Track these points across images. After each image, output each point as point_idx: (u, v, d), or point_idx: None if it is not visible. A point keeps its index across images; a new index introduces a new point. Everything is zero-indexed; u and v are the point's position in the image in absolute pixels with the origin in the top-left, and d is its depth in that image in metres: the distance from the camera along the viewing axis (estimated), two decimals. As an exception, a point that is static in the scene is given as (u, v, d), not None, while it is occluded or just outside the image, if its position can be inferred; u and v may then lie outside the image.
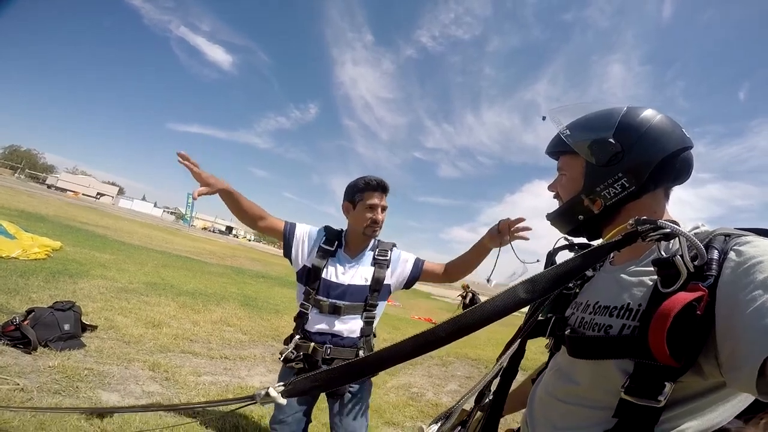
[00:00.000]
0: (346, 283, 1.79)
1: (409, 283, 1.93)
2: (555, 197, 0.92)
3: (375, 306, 1.82)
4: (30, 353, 3.14)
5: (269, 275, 15.46)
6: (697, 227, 0.70)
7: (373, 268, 1.84)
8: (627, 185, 0.76)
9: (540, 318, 0.89)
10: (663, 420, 0.59)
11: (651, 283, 0.65)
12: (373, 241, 1.92)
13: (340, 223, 2.00)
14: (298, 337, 1.77)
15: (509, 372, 0.94)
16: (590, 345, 0.70)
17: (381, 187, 1.84)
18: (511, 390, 0.92)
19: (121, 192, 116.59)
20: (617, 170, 0.77)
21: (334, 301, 1.76)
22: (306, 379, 0.66)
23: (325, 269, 1.79)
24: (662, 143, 0.75)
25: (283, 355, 1.75)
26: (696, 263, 0.59)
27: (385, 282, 1.83)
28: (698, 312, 0.55)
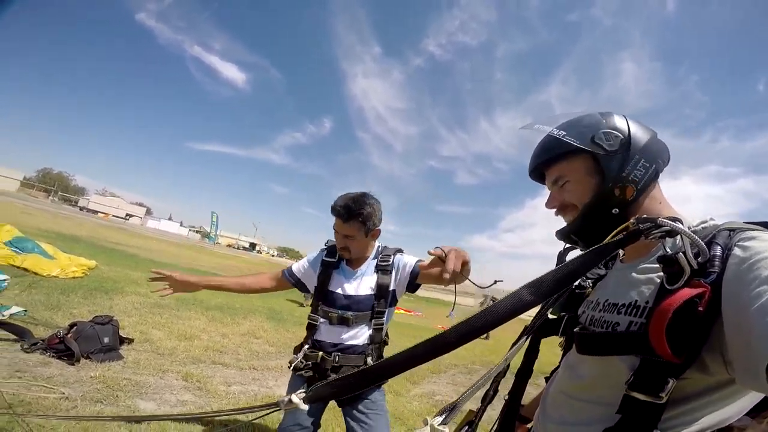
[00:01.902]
0: (352, 294, 1.81)
1: (411, 286, 1.85)
2: (558, 212, 0.86)
3: (382, 313, 1.82)
4: (73, 364, 3.33)
5: (293, 290, 15.65)
6: (705, 222, 0.69)
7: (376, 275, 1.84)
8: (648, 165, 0.76)
9: (553, 316, 0.90)
10: (667, 417, 0.59)
11: (659, 280, 0.65)
12: (376, 248, 1.92)
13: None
14: (307, 346, 1.82)
15: (524, 372, 0.94)
16: (597, 341, 0.71)
17: (340, 213, 1.74)
18: (531, 394, 0.93)
19: (148, 212, 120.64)
20: (633, 154, 0.76)
21: (342, 312, 1.78)
22: (326, 385, 0.70)
23: (330, 282, 1.84)
24: (644, 131, 0.79)
25: (293, 365, 1.81)
26: (699, 260, 0.59)
27: (390, 288, 1.82)
28: (700, 309, 0.55)
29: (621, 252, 0.85)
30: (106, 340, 3.70)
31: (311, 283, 1.91)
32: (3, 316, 3.96)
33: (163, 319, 5.49)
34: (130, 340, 4.18)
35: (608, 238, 0.67)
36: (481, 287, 1.30)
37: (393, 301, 1.89)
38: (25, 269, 6.20)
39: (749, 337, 0.51)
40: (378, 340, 1.83)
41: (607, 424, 0.63)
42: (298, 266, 1.97)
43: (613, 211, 0.77)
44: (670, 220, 0.62)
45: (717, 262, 0.58)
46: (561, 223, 0.87)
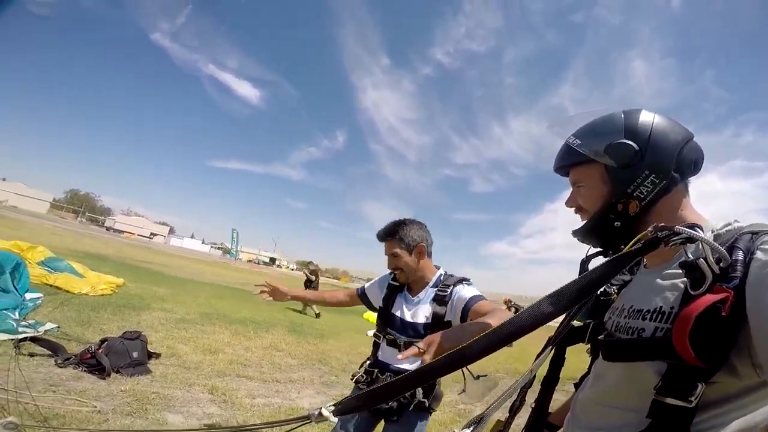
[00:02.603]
0: (408, 320, 1.83)
1: (462, 320, 1.75)
2: (577, 212, 0.89)
3: None
4: (104, 378, 3.42)
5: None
6: (729, 224, 0.68)
7: (433, 304, 1.79)
8: (657, 181, 0.75)
9: (578, 324, 0.90)
10: (698, 421, 0.58)
11: (682, 285, 0.64)
12: (438, 275, 1.89)
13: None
14: (368, 362, 1.92)
15: (550, 380, 0.93)
16: (623, 348, 0.70)
17: (379, 234, 1.93)
18: (560, 401, 0.92)
19: (171, 231, 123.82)
20: (642, 169, 0.75)
21: (395, 335, 1.83)
22: (353, 398, 0.73)
23: (392, 305, 1.92)
24: (673, 137, 0.76)
25: (355, 377, 1.92)
26: (721, 265, 0.58)
27: (445, 319, 1.75)
28: (723, 313, 0.55)
29: (644, 258, 0.84)
30: (135, 354, 3.80)
31: (377, 303, 2.02)
32: (38, 332, 4.10)
33: (188, 333, 5.60)
34: (158, 355, 4.27)
35: (627, 246, 0.68)
36: (476, 377, 1.46)
37: None
38: (57, 287, 6.43)
39: None
40: None
41: (636, 429, 0.63)
42: (369, 286, 2.13)
43: (616, 224, 0.79)
44: (689, 227, 0.62)
45: (739, 267, 0.58)
46: (579, 221, 0.89)
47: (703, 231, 0.62)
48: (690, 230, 0.61)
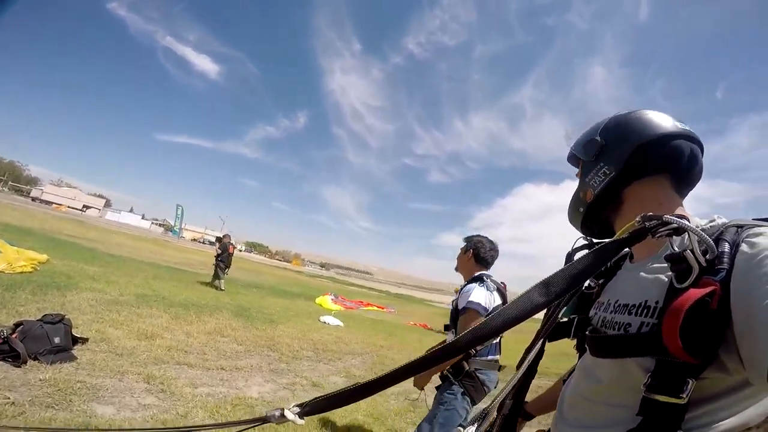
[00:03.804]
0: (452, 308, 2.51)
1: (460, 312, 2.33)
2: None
3: (453, 328, 2.46)
4: (20, 366, 3.05)
5: (261, 285, 15.30)
6: (713, 220, 0.69)
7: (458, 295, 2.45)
8: (608, 172, 0.80)
9: (564, 319, 0.88)
10: (689, 417, 0.58)
11: (667, 279, 0.64)
12: (474, 275, 2.47)
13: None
14: None
15: (527, 373, 0.92)
16: (610, 344, 0.69)
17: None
18: (540, 391, 0.92)
19: (108, 204, 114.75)
20: (600, 161, 0.82)
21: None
22: (323, 399, 0.68)
23: None
24: (637, 131, 0.78)
25: None
26: (708, 257, 0.58)
27: (458, 308, 2.34)
28: (712, 307, 0.54)
29: (627, 250, 0.84)
30: (56, 340, 3.42)
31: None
32: (-63, 314, 3.58)
33: (121, 317, 5.16)
34: (84, 340, 3.88)
35: (616, 235, 0.67)
36: None
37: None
38: (-36, 263, 5.67)
39: (759, 334, 0.50)
40: None
41: (626, 427, 0.62)
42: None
43: (580, 209, 0.87)
44: (677, 217, 0.62)
45: (726, 259, 0.57)
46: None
47: (690, 223, 0.61)
48: (680, 220, 0.61)
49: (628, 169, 0.77)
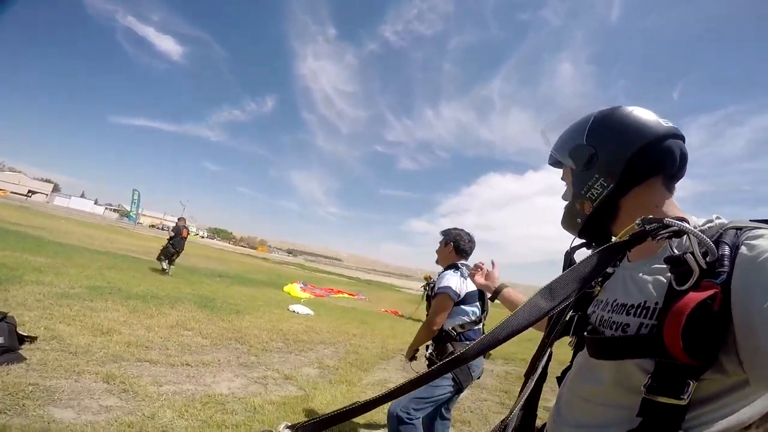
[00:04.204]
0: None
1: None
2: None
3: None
4: (-41, 371, 2.76)
5: (226, 274, 14.84)
6: (711, 221, 0.69)
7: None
8: (605, 184, 0.79)
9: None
10: (689, 418, 0.58)
11: (666, 280, 0.64)
12: (453, 264, 2.62)
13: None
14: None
15: (539, 377, 0.90)
16: (609, 345, 0.69)
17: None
18: (552, 396, 0.90)
19: (56, 189, 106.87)
20: (594, 172, 0.80)
21: None
22: (316, 421, 0.64)
23: None
24: (629, 138, 0.77)
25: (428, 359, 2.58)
26: (708, 259, 0.58)
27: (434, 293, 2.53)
28: (713, 310, 0.54)
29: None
30: (0, 340, 3.11)
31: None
32: None
33: (72, 311, 4.80)
34: (33, 338, 3.57)
35: (616, 238, 0.69)
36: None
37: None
38: None
39: (759, 336, 0.51)
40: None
41: (625, 427, 0.62)
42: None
43: (577, 220, 0.85)
44: (677, 219, 0.62)
45: (726, 262, 0.57)
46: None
47: (689, 224, 0.62)
48: (680, 222, 0.61)
49: (624, 180, 0.78)
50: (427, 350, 2.58)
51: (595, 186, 0.80)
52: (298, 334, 6.43)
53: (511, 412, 0.82)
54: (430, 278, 2.88)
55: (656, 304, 0.64)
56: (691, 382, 0.56)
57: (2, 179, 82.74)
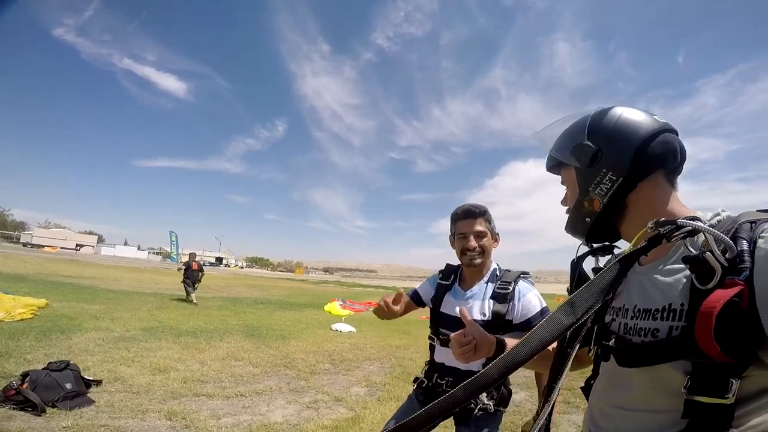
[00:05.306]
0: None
1: (522, 327, 1.64)
2: (567, 212, 0.93)
3: None
4: (40, 415, 2.98)
5: (268, 300, 15.17)
6: (719, 214, 0.69)
7: (492, 302, 1.69)
8: (614, 178, 0.78)
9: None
10: (738, 416, 0.57)
11: (686, 280, 0.64)
12: (492, 271, 1.80)
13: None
14: (426, 366, 1.88)
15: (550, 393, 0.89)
16: (641, 352, 0.68)
17: (467, 214, 1.78)
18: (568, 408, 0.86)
19: (100, 240, 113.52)
20: (601, 168, 0.79)
21: (448, 334, 1.62)
22: None
23: (442, 303, 1.82)
24: (631, 133, 0.77)
25: (417, 382, 1.85)
26: (728, 256, 0.58)
27: (506, 318, 1.65)
28: (743, 307, 0.54)
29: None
30: (68, 386, 3.33)
31: (427, 302, 1.94)
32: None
33: (131, 353, 5.05)
34: (98, 382, 3.79)
35: (631, 244, 0.70)
36: None
37: (515, 334, 1.65)
38: (-37, 318, 5.52)
39: None
40: None
41: (675, 430, 0.61)
42: (420, 286, 2.01)
43: (586, 220, 0.83)
44: (690, 219, 0.63)
45: (746, 257, 0.57)
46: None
47: (701, 222, 0.62)
48: (693, 222, 0.62)
49: (632, 172, 0.77)
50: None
51: (604, 181, 0.79)
52: (343, 353, 6.46)
53: (537, 422, 0.78)
54: None
55: (682, 305, 0.63)
56: (734, 381, 0.55)
57: (51, 236, 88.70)
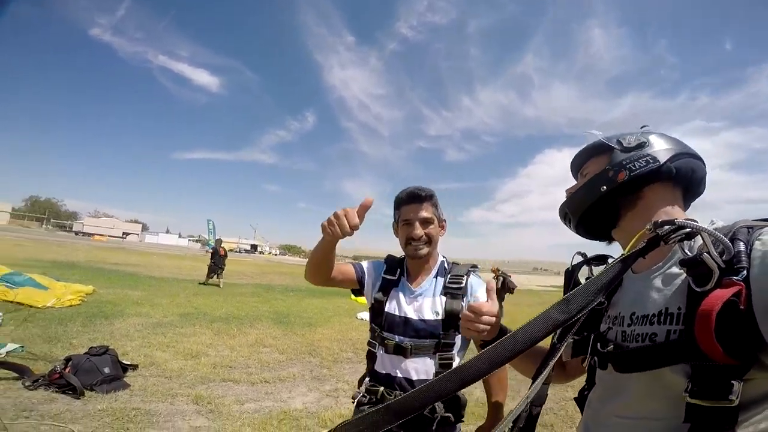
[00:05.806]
0: (411, 317, 1.48)
1: None
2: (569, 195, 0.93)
3: (452, 345, 1.46)
4: (79, 398, 3.22)
5: (298, 288, 15.57)
6: (713, 222, 0.70)
7: (444, 298, 1.50)
8: (651, 161, 0.78)
9: (575, 337, 0.84)
10: (743, 420, 0.56)
11: (682, 284, 0.64)
12: (440, 264, 1.61)
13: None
14: (368, 379, 1.53)
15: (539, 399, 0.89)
16: (639, 357, 0.67)
17: (412, 197, 1.54)
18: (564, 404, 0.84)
19: (145, 228, 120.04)
20: (641, 153, 0.80)
21: (399, 339, 1.47)
22: (349, 424, 0.62)
23: (387, 302, 1.54)
24: (677, 142, 0.81)
25: (356, 400, 1.52)
26: (724, 258, 0.58)
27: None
28: (741, 307, 0.54)
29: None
30: (106, 370, 3.58)
31: (369, 297, 1.63)
32: (0, 354, 3.81)
33: (167, 338, 5.36)
34: (135, 366, 4.05)
35: (628, 247, 0.69)
36: None
37: None
38: (18, 303, 6.04)
39: None
40: None
41: None
42: (367, 265, 1.69)
43: (602, 188, 0.81)
44: (688, 220, 0.64)
45: (743, 258, 0.57)
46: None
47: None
48: (692, 223, 0.62)
49: (666, 167, 0.78)
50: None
51: (640, 160, 0.79)
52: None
53: (501, 425, 0.75)
54: (498, 270, 2.02)
55: (679, 309, 0.64)
56: (736, 383, 0.54)
57: (100, 225, 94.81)
